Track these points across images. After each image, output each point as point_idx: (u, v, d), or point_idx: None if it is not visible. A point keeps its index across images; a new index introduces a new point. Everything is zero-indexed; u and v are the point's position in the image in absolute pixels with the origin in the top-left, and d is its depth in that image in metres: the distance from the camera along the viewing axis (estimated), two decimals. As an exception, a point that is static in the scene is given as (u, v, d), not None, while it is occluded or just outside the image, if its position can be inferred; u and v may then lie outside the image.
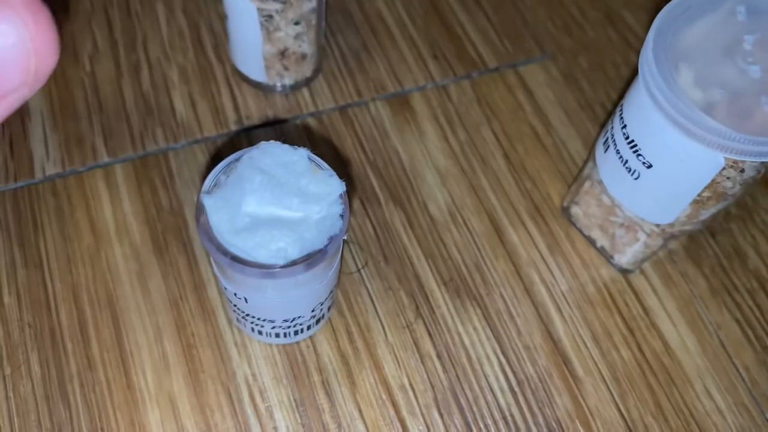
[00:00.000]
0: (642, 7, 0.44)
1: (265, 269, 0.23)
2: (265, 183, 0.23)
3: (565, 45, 0.42)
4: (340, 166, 0.36)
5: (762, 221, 0.38)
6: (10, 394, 0.30)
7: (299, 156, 0.24)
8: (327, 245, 0.24)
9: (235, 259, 0.23)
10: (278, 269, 0.23)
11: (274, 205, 0.23)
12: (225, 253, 0.23)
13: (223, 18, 0.39)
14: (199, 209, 0.24)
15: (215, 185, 0.24)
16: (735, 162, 0.26)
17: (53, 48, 0.17)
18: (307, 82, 0.38)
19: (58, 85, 0.38)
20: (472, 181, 0.37)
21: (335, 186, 0.24)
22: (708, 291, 0.35)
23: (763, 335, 0.34)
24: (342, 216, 0.24)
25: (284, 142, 0.25)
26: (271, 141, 0.25)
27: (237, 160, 0.25)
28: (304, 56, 0.36)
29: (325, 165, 0.25)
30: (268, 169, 0.24)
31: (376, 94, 0.39)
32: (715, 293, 0.35)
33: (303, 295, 0.27)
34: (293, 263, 0.23)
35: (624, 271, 0.35)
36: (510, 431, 0.31)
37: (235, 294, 0.27)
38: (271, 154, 0.24)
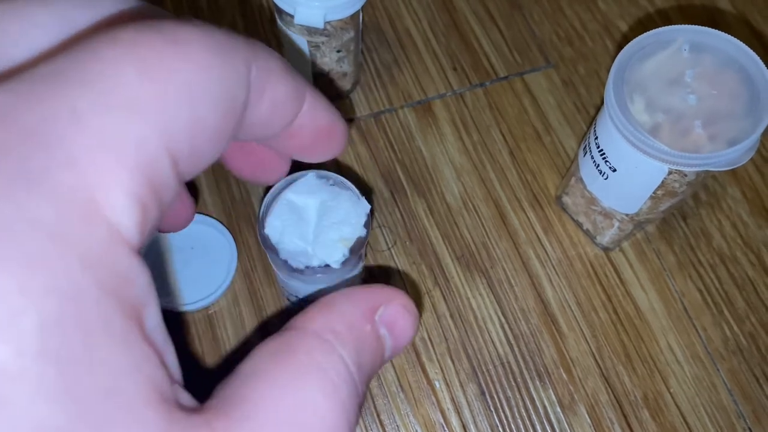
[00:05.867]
0: (636, 17, 0.51)
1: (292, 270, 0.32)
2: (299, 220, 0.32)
3: (566, 54, 0.49)
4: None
5: (728, 207, 0.45)
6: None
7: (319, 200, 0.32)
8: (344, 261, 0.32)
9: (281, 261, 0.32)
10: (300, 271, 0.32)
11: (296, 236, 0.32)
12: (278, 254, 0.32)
13: (278, 42, 0.47)
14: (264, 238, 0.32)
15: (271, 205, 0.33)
16: (677, 169, 0.33)
17: None
18: (348, 93, 0.47)
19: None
20: (482, 174, 0.45)
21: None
22: (676, 265, 0.43)
23: (720, 302, 0.42)
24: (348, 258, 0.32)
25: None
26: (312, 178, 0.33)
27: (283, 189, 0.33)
28: (345, 74, 0.45)
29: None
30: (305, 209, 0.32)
31: (404, 102, 0.47)
32: (682, 267, 0.43)
33: (316, 288, 0.35)
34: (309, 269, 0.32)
35: (605, 249, 0.43)
36: (507, 374, 0.39)
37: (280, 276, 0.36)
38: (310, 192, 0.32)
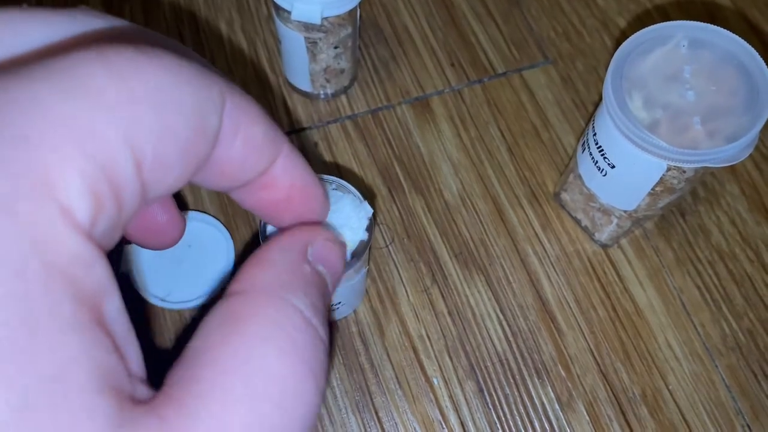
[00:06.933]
0: (634, 13, 0.51)
1: None
2: None
3: (565, 51, 0.49)
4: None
5: (726, 204, 0.45)
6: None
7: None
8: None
9: None
10: None
11: None
12: None
13: (276, 39, 0.47)
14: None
15: None
16: (676, 166, 0.33)
17: None
18: (345, 90, 0.47)
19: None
20: (480, 171, 0.45)
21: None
22: (674, 262, 0.43)
23: (719, 298, 0.42)
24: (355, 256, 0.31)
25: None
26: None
27: None
28: (342, 70, 0.44)
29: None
30: None
31: (401, 98, 0.47)
32: (680, 264, 0.43)
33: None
34: None
35: (604, 246, 0.43)
36: (505, 371, 0.39)
37: None
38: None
